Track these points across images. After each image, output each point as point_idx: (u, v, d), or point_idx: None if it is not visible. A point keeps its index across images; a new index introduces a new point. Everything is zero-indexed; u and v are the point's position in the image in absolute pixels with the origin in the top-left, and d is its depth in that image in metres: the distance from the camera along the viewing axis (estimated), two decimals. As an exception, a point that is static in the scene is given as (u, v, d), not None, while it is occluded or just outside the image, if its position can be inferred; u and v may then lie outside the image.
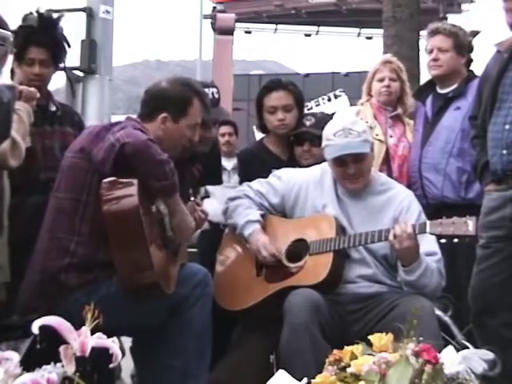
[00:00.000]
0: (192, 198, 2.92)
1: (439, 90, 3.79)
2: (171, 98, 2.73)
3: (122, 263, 2.47)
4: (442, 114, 3.72)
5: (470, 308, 3.10)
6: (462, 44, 3.75)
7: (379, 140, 3.70)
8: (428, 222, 2.77)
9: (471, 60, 3.83)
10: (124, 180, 2.48)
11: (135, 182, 2.47)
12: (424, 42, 4.13)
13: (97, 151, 2.52)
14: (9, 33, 2.49)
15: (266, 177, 3.23)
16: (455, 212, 2.75)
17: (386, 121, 3.90)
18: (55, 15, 3.21)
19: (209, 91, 3.21)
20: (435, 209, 3.27)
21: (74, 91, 3.54)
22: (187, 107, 2.74)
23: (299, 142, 3.50)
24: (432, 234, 2.77)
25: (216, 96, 3.36)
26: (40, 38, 3.10)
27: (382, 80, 3.92)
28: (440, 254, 2.92)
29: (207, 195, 3.73)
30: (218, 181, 3.63)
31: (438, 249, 2.92)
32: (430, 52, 3.76)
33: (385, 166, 3.75)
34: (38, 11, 3.18)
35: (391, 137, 3.86)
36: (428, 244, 2.90)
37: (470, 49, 3.81)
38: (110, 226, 2.47)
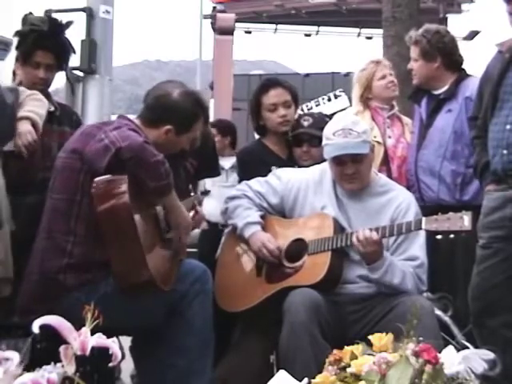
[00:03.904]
0: (192, 194, 2.93)
1: (433, 91, 3.79)
2: (179, 114, 2.74)
3: (116, 261, 2.48)
4: (434, 117, 3.72)
5: (467, 307, 3.10)
6: (428, 50, 3.72)
7: (377, 142, 3.69)
8: (424, 219, 2.78)
9: (455, 59, 3.76)
10: (115, 178, 2.49)
11: (125, 178, 2.47)
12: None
13: (89, 150, 2.53)
14: (12, 38, 2.51)
15: (266, 176, 3.23)
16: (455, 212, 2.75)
17: (383, 121, 3.89)
18: (65, 21, 3.22)
19: None
20: (432, 211, 3.26)
21: (73, 90, 3.57)
22: (192, 124, 2.78)
23: (298, 143, 3.49)
24: (428, 230, 2.77)
25: (178, 84, 3.34)
26: (49, 42, 3.12)
27: (383, 77, 3.92)
28: (422, 260, 2.92)
29: (206, 190, 3.74)
30: (215, 172, 3.64)
31: (422, 254, 2.93)
32: None
33: (384, 166, 3.75)
34: (49, 16, 3.20)
35: (390, 137, 3.86)
36: (414, 249, 2.92)
37: (445, 49, 3.73)
38: (103, 224, 2.48)
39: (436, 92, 3.76)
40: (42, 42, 3.10)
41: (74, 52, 3.32)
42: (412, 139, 3.83)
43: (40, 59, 3.12)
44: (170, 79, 3.62)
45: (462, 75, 3.73)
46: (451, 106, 3.66)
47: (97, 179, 2.50)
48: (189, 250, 3.08)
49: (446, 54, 3.73)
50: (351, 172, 2.94)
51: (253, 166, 3.49)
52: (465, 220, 2.66)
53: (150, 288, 2.50)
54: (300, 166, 3.37)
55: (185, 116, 2.75)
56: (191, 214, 2.86)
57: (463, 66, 3.80)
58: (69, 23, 3.22)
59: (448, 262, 3.53)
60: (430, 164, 3.65)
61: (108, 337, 1.68)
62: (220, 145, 5.51)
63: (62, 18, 3.27)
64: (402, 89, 4.08)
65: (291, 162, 3.45)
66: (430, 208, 3.43)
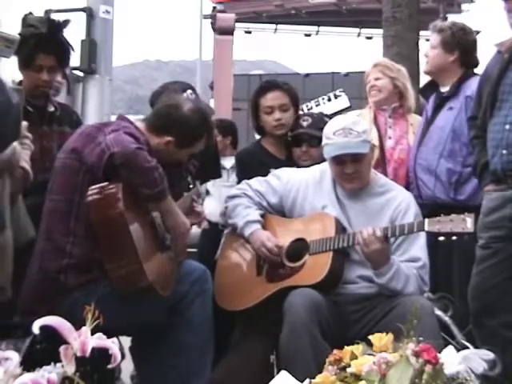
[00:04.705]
0: (191, 186, 2.94)
1: (440, 89, 3.79)
2: (185, 129, 2.74)
3: (113, 269, 2.49)
4: (436, 114, 3.72)
5: (467, 307, 3.10)
6: (449, 41, 3.69)
7: (373, 145, 3.68)
8: (426, 220, 2.78)
9: (471, 59, 3.77)
10: (109, 185, 2.49)
11: (119, 186, 2.47)
12: (424, 42, 4.14)
13: (88, 152, 2.54)
14: (16, 35, 2.51)
15: (265, 176, 3.23)
16: (447, 212, 2.74)
17: (385, 121, 3.90)
18: (62, 20, 3.22)
19: (185, 93, 3.24)
20: (429, 209, 3.27)
21: (69, 90, 3.59)
22: (195, 142, 2.79)
23: (297, 144, 3.49)
24: (430, 231, 2.77)
25: (191, 97, 3.37)
26: (49, 45, 3.12)
27: (369, 81, 3.98)
28: (424, 261, 2.91)
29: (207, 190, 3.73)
30: (216, 174, 3.64)
31: (423, 255, 2.92)
32: None
33: (379, 168, 3.74)
34: (47, 17, 3.20)
35: (390, 138, 3.85)
36: (415, 249, 2.92)
37: (465, 47, 3.72)
38: (99, 233, 2.49)
39: (442, 90, 3.76)
40: (42, 45, 3.11)
41: (73, 50, 3.33)
42: (415, 136, 3.82)
43: (42, 62, 3.12)
44: (177, 80, 3.64)
45: (467, 74, 3.72)
46: (453, 104, 3.66)
47: (91, 187, 2.50)
48: (189, 250, 3.09)
49: (465, 51, 3.71)
50: (351, 172, 2.95)
51: (251, 167, 3.49)
52: (467, 222, 2.66)
53: (150, 293, 2.51)
54: (299, 167, 3.37)
55: (189, 133, 2.75)
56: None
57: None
58: (66, 22, 3.23)
59: (444, 262, 3.53)
60: (428, 162, 3.64)
61: (108, 337, 1.68)
62: (221, 145, 5.51)
63: (60, 17, 3.28)
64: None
65: (289, 163, 3.45)
66: (427, 206, 3.43)
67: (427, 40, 4.04)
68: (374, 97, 3.93)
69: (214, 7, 20.77)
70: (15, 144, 2.60)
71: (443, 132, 3.62)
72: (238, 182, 3.43)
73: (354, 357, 1.93)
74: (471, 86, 3.50)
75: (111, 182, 2.49)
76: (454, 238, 2.72)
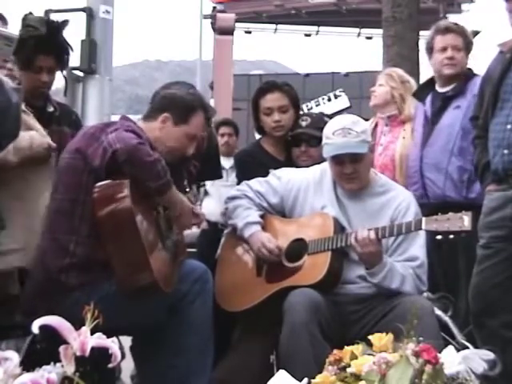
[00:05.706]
0: (187, 189, 2.94)
1: (438, 89, 3.79)
2: (177, 101, 2.77)
3: (119, 266, 2.48)
4: (441, 114, 3.72)
5: (467, 308, 3.10)
6: (470, 44, 3.78)
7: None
8: (423, 219, 2.77)
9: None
10: (116, 182, 2.50)
11: (127, 182, 2.48)
12: (424, 42, 4.14)
13: (92, 152, 2.54)
14: (16, 34, 2.52)
15: (264, 177, 3.23)
16: (457, 211, 2.74)
17: (381, 130, 4.00)
18: (61, 20, 3.22)
19: None
20: (437, 208, 3.27)
21: (66, 91, 3.61)
22: (190, 115, 2.78)
23: (296, 144, 3.49)
24: (428, 230, 2.77)
25: None
26: (48, 46, 3.13)
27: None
28: (422, 260, 2.91)
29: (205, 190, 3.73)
30: (217, 175, 3.64)
31: (422, 254, 2.92)
32: (444, 50, 3.72)
33: None
34: (46, 18, 3.20)
35: (381, 145, 3.94)
36: (414, 248, 2.91)
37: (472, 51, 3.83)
38: (105, 229, 2.49)
39: (442, 90, 3.77)
40: (42, 46, 3.10)
41: (72, 50, 3.33)
42: (415, 137, 3.83)
43: (42, 63, 3.12)
44: (178, 81, 3.64)
45: (470, 73, 3.74)
46: (459, 102, 3.67)
47: (98, 184, 2.51)
48: (189, 250, 3.09)
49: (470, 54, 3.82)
50: (350, 172, 2.95)
51: (250, 168, 3.48)
52: (465, 220, 2.65)
53: (153, 290, 2.51)
54: (298, 167, 3.37)
55: (182, 104, 2.77)
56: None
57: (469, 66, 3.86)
58: (65, 23, 3.23)
59: (449, 262, 3.53)
60: (437, 160, 3.64)
61: (109, 337, 1.67)
62: (233, 145, 5.54)
63: (59, 17, 3.28)
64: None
65: (289, 163, 3.44)
66: (435, 205, 3.43)
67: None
68: (371, 101, 4.09)
69: (214, 7, 20.78)
70: (32, 133, 2.63)
71: (453, 130, 3.63)
72: (238, 183, 3.43)
73: (354, 357, 1.93)
74: (477, 85, 3.50)
75: (120, 178, 2.50)
76: (451, 236, 2.71)
